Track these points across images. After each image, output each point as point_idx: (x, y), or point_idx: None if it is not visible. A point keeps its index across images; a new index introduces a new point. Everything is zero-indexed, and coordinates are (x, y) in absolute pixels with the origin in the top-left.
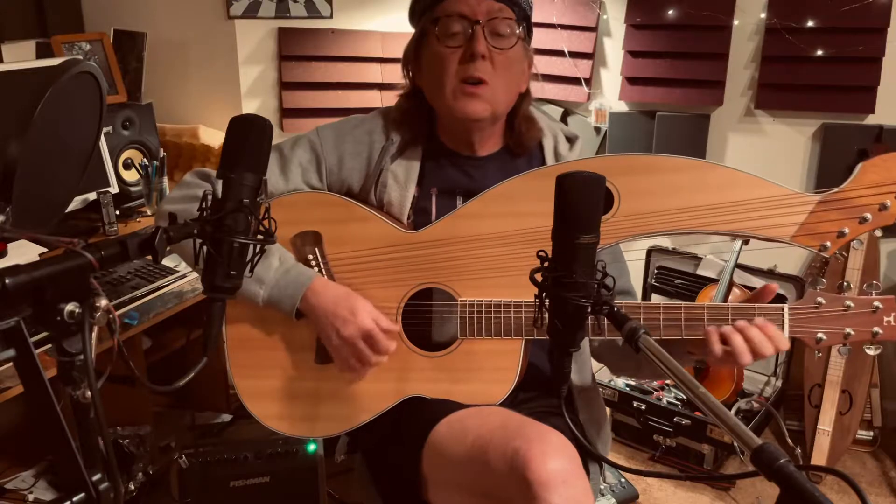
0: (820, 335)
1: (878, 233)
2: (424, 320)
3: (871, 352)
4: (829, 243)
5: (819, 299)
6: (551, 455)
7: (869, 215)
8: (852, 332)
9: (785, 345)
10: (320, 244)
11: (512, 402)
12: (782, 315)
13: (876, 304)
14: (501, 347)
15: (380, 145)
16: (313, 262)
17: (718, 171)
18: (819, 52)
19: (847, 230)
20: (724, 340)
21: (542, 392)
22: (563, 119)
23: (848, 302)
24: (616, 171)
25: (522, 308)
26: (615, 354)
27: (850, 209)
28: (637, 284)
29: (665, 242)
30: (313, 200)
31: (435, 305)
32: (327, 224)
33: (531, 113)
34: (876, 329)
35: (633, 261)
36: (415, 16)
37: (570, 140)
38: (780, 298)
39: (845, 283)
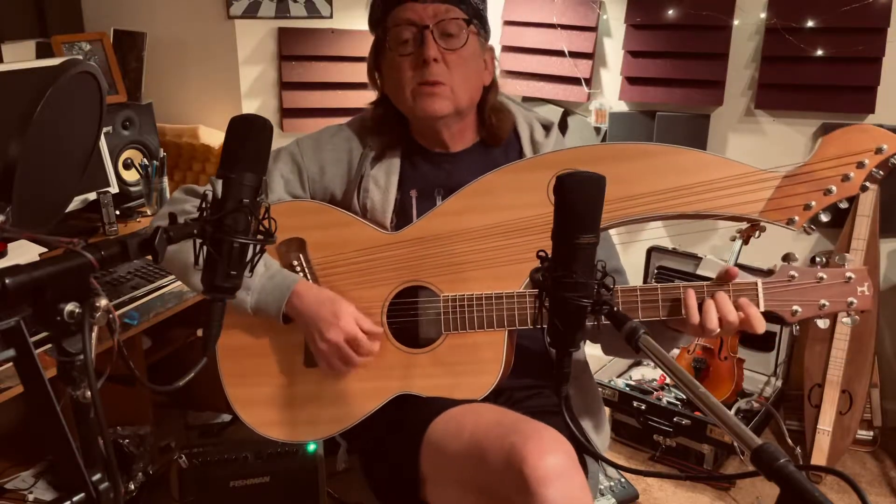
0: (795, 307)
1: (844, 204)
2: (410, 318)
3: (846, 322)
4: (796, 217)
5: (792, 272)
6: (547, 450)
7: (833, 187)
8: (827, 304)
9: (761, 326)
10: (304, 250)
11: (507, 401)
12: (756, 290)
13: (848, 274)
14: (485, 340)
15: (359, 151)
16: (298, 268)
17: (686, 153)
18: (819, 52)
19: (813, 203)
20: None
21: (538, 391)
22: (563, 119)
23: (821, 274)
24: (590, 160)
25: (504, 299)
26: (610, 334)
27: (815, 182)
28: (637, 284)
29: (665, 242)
30: (297, 208)
31: (419, 303)
32: (310, 230)
33: (500, 104)
34: (850, 299)
35: (633, 258)
36: (371, 26)
37: (546, 127)
38: None
39: (818, 259)
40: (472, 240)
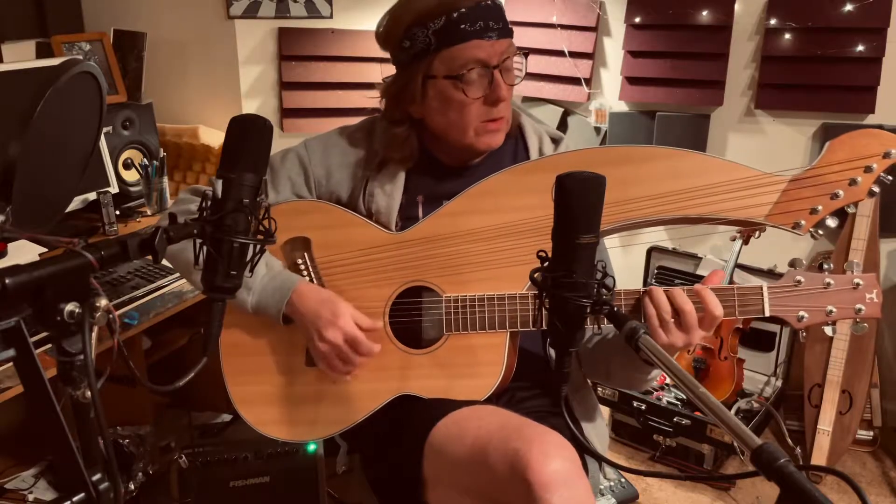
0: (801, 313)
1: (851, 209)
2: (412, 318)
3: (854, 330)
4: (803, 221)
5: (798, 277)
6: (552, 456)
7: (840, 191)
8: (834, 310)
9: (718, 307)
10: (309, 249)
11: (510, 402)
12: (761, 294)
13: (856, 280)
14: (487, 341)
15: (366, 156)
16: (302, 267)
17: (692, 157)
18: (819, 52)
19: (820, 207)
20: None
21: (540, 391)
22: (563, 119)
23: (828, 280)
24: (595, 163)
25: (506, 301)
26: (586, 360)
27: (822, 186)
28: (637, 284)
29: (665, 242)
30: (303, 208)
31: (422, 303)
32: (316, 230)
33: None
34: (858, 306)
35: (633, 258)
36: (404, 51)
37: (556, 141)
38: None
39: (825, 265)
40: (476, 241)
